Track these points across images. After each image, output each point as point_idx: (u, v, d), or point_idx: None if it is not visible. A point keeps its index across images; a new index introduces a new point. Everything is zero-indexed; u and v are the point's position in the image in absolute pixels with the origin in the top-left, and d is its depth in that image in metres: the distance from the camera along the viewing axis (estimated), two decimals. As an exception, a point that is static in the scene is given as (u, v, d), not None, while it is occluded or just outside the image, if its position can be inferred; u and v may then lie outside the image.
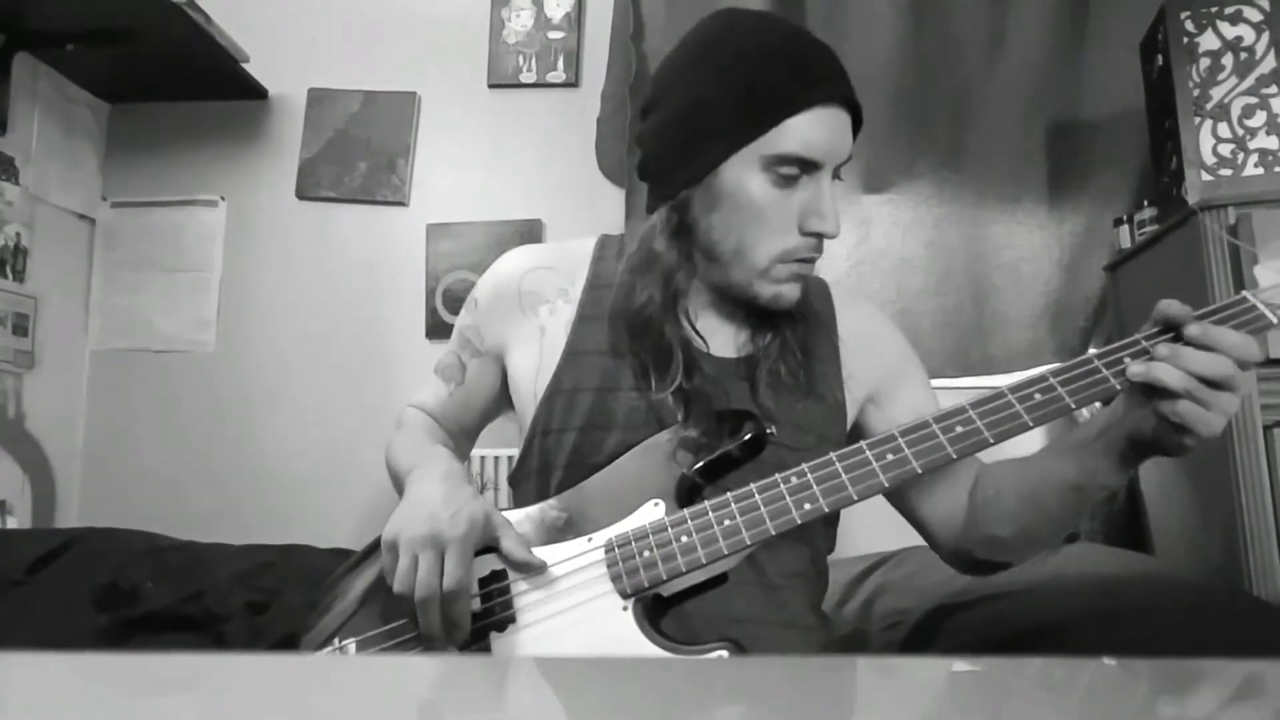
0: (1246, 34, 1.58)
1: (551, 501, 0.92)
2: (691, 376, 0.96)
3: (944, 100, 2.09)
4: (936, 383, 1.96)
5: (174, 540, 1.62)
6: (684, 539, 0.84)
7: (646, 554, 0.84)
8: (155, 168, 2.34)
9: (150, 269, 2.32)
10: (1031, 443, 0.99)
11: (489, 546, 0.86)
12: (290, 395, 2.25)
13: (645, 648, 0.82)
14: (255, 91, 2.30)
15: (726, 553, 0.83)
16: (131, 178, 2.35)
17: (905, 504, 1.04)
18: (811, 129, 0.92)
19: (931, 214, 2.12)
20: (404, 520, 0.85)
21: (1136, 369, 0.79)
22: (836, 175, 0.96)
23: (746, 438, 0.88)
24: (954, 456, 0.83)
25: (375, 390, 2.21)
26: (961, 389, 1.96)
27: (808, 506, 0.83)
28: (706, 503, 0.85)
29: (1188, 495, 1.64)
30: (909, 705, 0.45)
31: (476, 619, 0.85)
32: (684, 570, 0.83)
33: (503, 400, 1.11)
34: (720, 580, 0.86)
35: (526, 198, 2.25)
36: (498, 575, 0.87)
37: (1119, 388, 0.81)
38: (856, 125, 0.97)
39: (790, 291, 0.98)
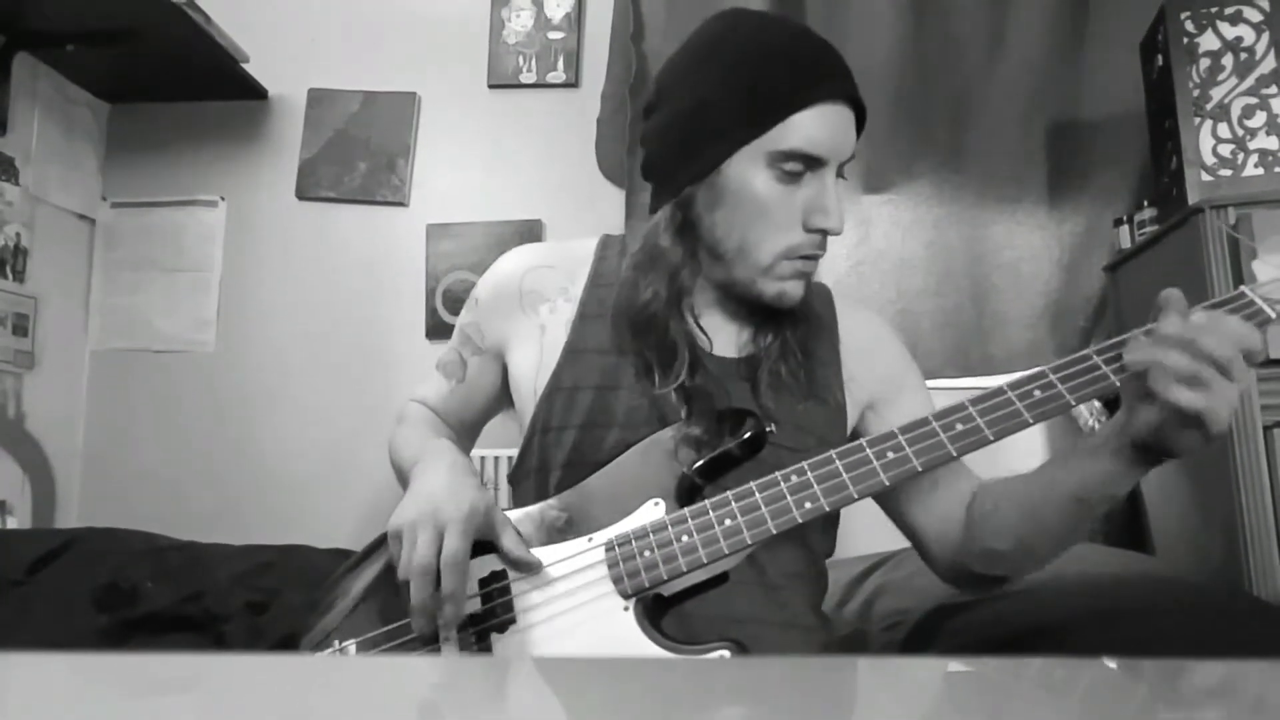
0: (1246, 34, 1.58)
1: (551, 501, 0.92)
2: (695, 374, 0.96)
3: (944, 100, 2.09)
4: (937, 383, 1.97)
5: (174, 540, 1.62)
6: (685, 539, 0.84)
7: (647, 554, 0.84)
8: (155, 168, 2.35)
9: (150, 269, 2.32)
10: (1033, 458, 0.99)
11: (488, 544, 0.86)
12: (290, 395, 2.25)
13: (647, 648, 0.82)
14: (255, 92, 2.30)
15: (727, 552, 0.83)
16: (131, 178, 2.35)
17: (902, 517, 1.03)
18: (815, 125, 0.92)
19: (931, 214, 2.12)
20: (408, 508, 0.85)
21: (1137, 354, 0.78)
22: (840, 173, 0.97)
23: (747, 436, 0.88)
24: (954, 454, 0.83)
25: (375, 390, 2.21)
26: (961, 389, 1.96)
27: (809, 505, 0.83)
28: (707, 502, 0.85)
29: (1188, 496, 1.64)
30: (909, 706, 0.45)
31: (477, 620, 0.85)
32: (685, 570, 0.83)
33: (503, 398, 1.11)
34: (721, 580, 0.86)
35: (526, 198, 2.25)
36: (498, 576, 0.87)
37: (1118, 383, 0.81)
38: (860, 123, 0.98)
39: (794, 289, 0.98)
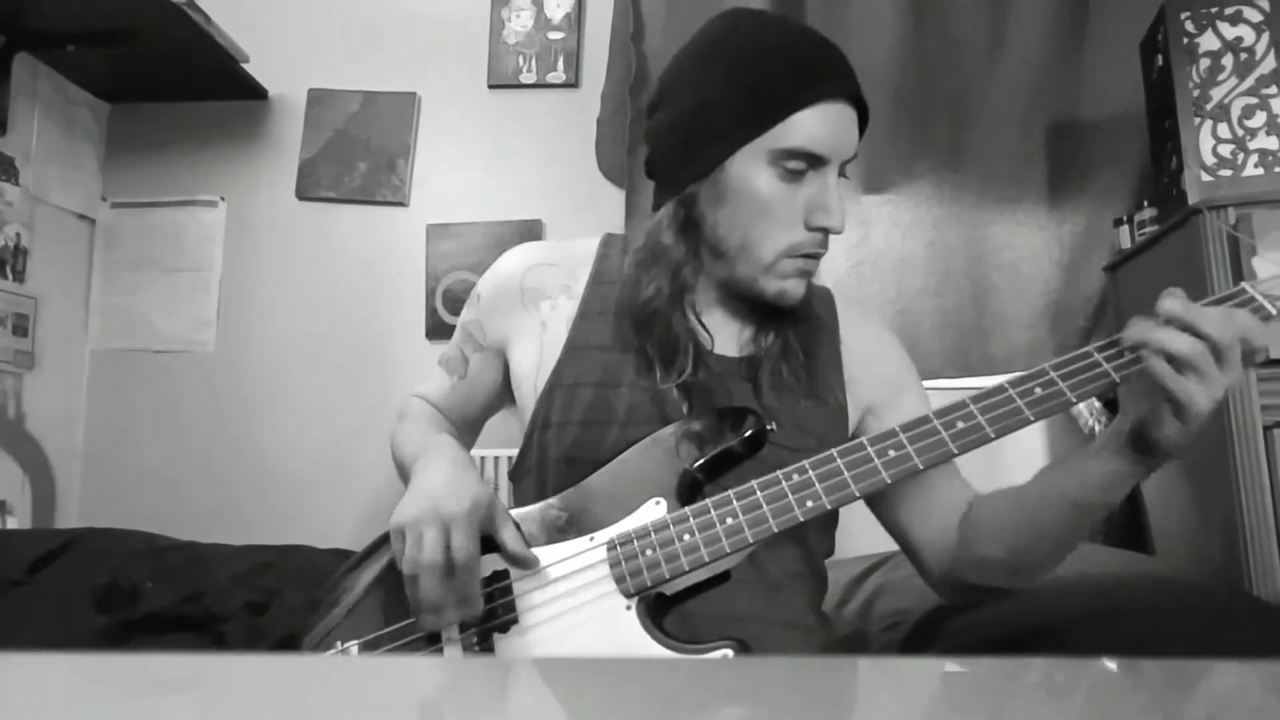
0: (1246, 34, 1.58)
1: (552, 500, 0.92)
2: (696, 371, 0.96)
3: (944, 100, 2.09)
4: (936, 383, 1.97)
5: (174, 540, 1.61)
6: (686, 537, 0.84)
7: (649, 553, 0.84)
8: (155, 168, 2.35)
9: (150, 269, 2.32)
10: (1033, 457, 0.99)
11: (490, 543, 0.86)
12: (290, 395, 2.25)
13: (650, 647, 0.82)
14: (255, 92, 2.30)
15: (729, 551, 0.83)
16: (131, 178, 2.35)
17: (896, 525, 1.03)
18: (818, 124, 0.93)
19: (931, 214, 2.12)
20: (410, 504, 0.85)
21: (1136, 332, 0.78)
22: (842, 172, 0.97)
23: (748, 434, 0.88)
24: (956, 452, 0.83)
25: (375, 390, 2.21)
26: (961, 389, 1.96)
27: (810, 504, 0.83)
28: (708, 501, 0.85)
29: (1188, 496, 1.64)
30: (909, 706, 0.45)
31: (479, 621, 0.85)
32: (687, 569, 0.83)
33: (504, 395, 1.12)
34: (723, 579, 0.86)
35: (526, 198, 2.25)
36: (500, 575, 0.87)
37: (1119, 380, 0.80)
38: (863, 123, 0.98)
39: (795, 288, 0.98)
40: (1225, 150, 1.57)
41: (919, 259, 2.11)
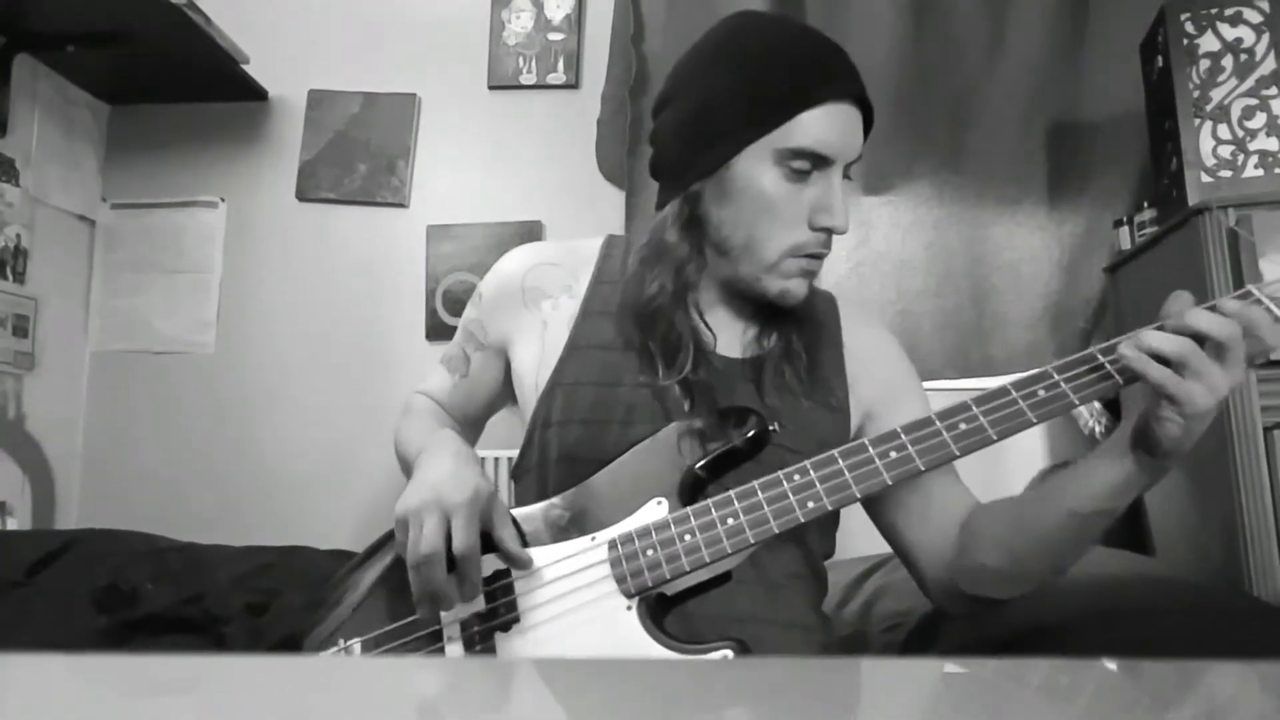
0: (1246, 35, 1.58)
1: (554, 500, 0.92)
2: (698, 369, 0.97)
3: (944, 101, 2.09)
4: (936, 384, 1.97)
5: (174, 542, 1.61)
6: (687, 538, 0.84)
7: (650, 553, 0.84)
8: (155, 169, 2.35)
9: (150, 270, 2.32)
10: (1034, 458, 0.98)
11: (486, 540, 0.86)
12: (290, 397, 2.25)
13: (650, 648, 0.82)
14: (255, 93, 2.30)
15: (730, 551, 0.83)
16: (131, 179, 2.35)
17: (894, 530, 1.03)
18: (823, 124, 0.93)
19: (931, 215, 2.12)
20: (413, 494, 0.85)
21: (1126, 350, 0.78)
22: (846, 174, 0.97)
23: (751, 434, 0.88)
24: (958, 454, 0.83)
25: (375, 391, 2.21)
26: (961, 390, 1.96)
27: (811, 504, 0.83)
28: (709, 501, 0.85)
29: (1188, 496, 1.64)
30: (909, 706, 0.45)
31: (481, 619, 0.86)
32: (688, 569, 0.83)
33: (506, 394, 1.12)
34: (724, 579, 0.86)
35: (527, 199, 2.25)
36: (502, 574, 0.87)
37: (1121, 382, 0.80)
38: (868, 124, 0.99)
39: (798, 288, 0.98)
40: (1225, 151, 1.57)
41: (919, 260, 2.11)
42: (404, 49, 2.33)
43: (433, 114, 2.32)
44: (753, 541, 0.83)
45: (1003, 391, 0.83)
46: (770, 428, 0.89)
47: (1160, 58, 1.67)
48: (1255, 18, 1.58)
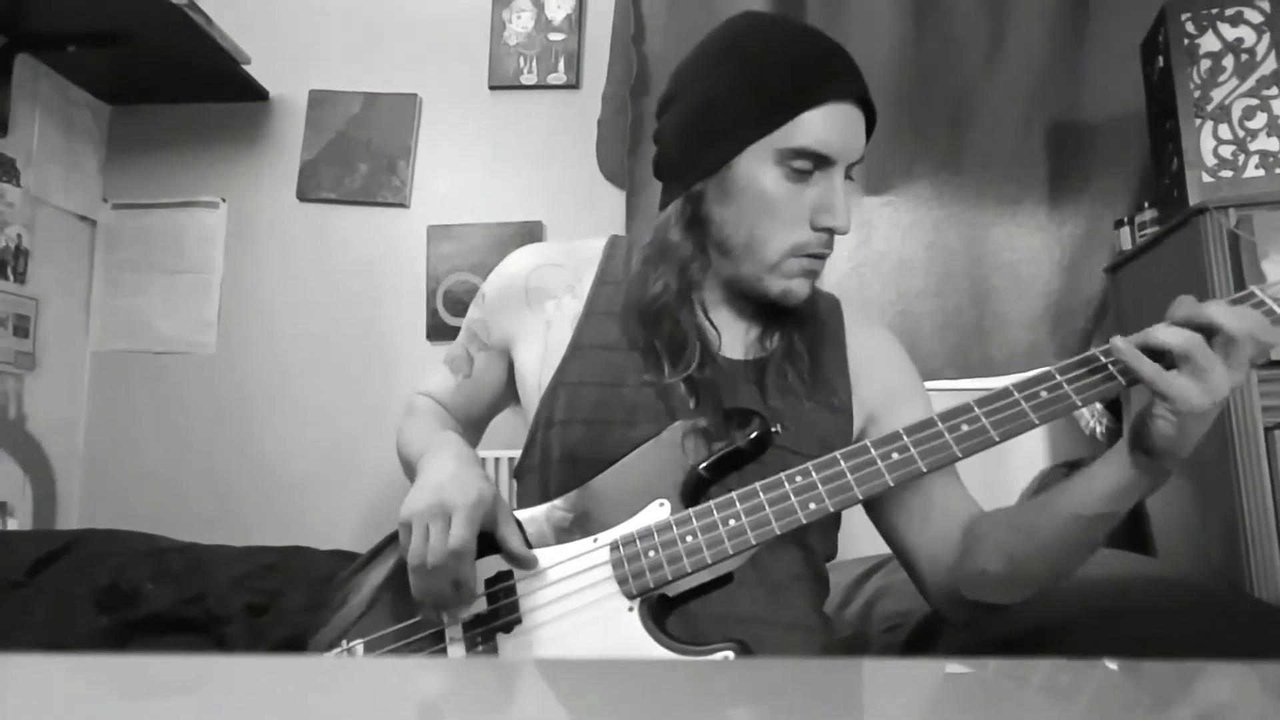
0: (1247, 35, 1.58)
1: (557, 502, 0.92)
2: (703, 367, 0.97)
3: (944, 101, 2.09)
4: (937, 384, 1.97)
5: (175, 542, 1.61)
6: (689, 539, 0.84)
7: (652, 554, 0.84)
8: (156, 169, 2.35)
9: (151, 270, 2.32)
10: (1035, 459, 0.98)
11: (493, 545, 0.86)
12: (291, 397, 2.25)
13: (651, 648, 0.82)
14: (256, 93, 2.30)
15: (732, 553, 0.83)
16: (132, 179, 2.35)
17: (896, 534, 1.03)
18: (825, 125, 0.93)
19: (932, 216, 2.12)
20: (417, 497, 0.85)
21: (1119, 343, 0.78)
22: (848, 175, 0.97)
23: (754, 435, 0.88)
24: (960, 455, 0.83)
25: (375, 391, 2.21)
26: (962, 390, 1.96)
27: (813, 506, 0.83)
28: (711, 503, 0.85)
29: (1189, 497, 1.64)
30: (910, 707, 0.45)
31: (483, 620, 0.86)
32: (689, 571, 0.83)
33: (509, 394, 1.12)
34: (726, 580, 0.86)
35: (527, 199, 2.25)
36: (503, 575, 0.87)
37: (1124, 383, 0.80)
38: (870, 126, 0.99)
39: (800, 288, 0.98)
40: (1226, 151, 1.57)
41: (919, 260, 2.11)
42: (405, 49, 2.33)
43: (433, 114, 2.32)
44: (754, 543, 0.83)
45: (1005, 393, 0.83)
46: (773, 429, 0.89)
47: (1161, 58, 1.66)
48: (1256, 18, 1.58)
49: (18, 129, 2.07)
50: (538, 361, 1.04)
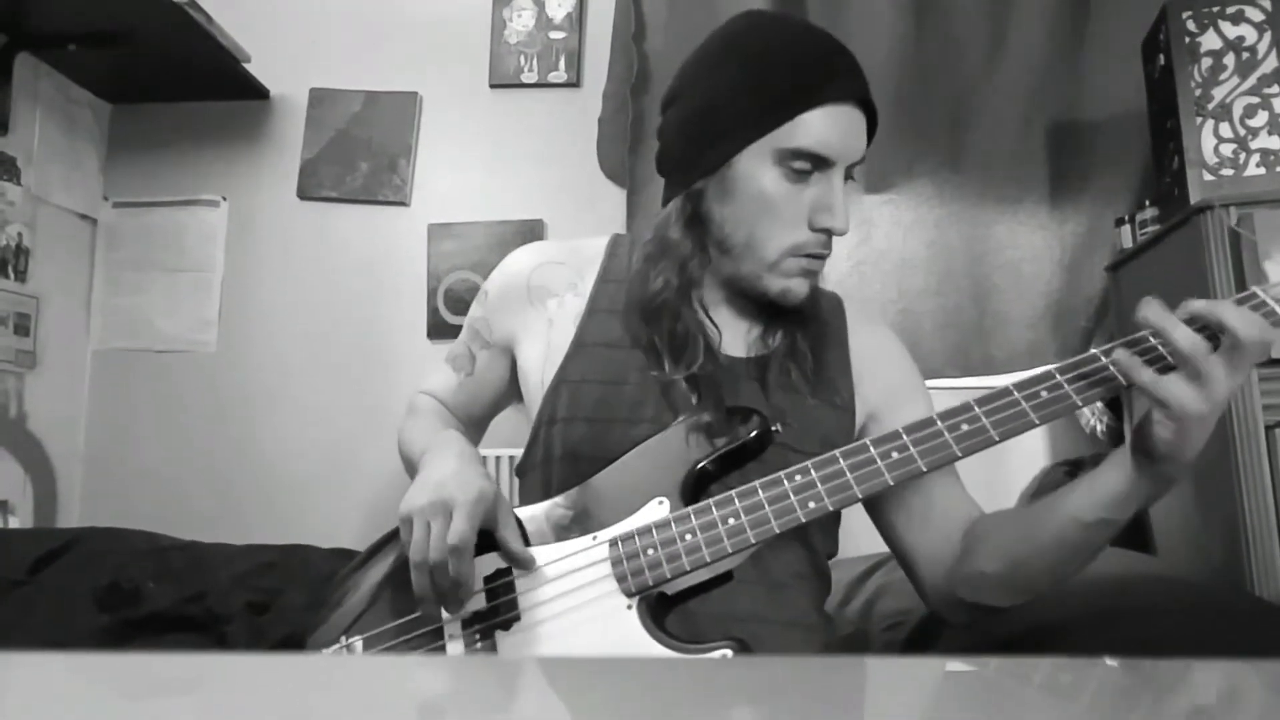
0: (1248, 34, 1.58)
1: (558, 500, 0.92)
2: (705, 364, 0.97)
3: (944, 100, 2.09)
4: (937, 383, 1.97)
5: (176, 540, 1.62)
6: (688, 537, 0.84)
7: (651, 552, 0.84)
8: (157, 168, 2.35)
9: (152, 269, 2.32)
10: (1035, 459, 0.98)
11: (492, 542, 0.86)
12: (291, 395, 2.25)
13: (650, 647, 0.82)
14: (257, 92, 2.30)
15: (731, 551, 0.83)
16: (133, 178, 2.35)
17: (895, 534, 1.02)
18: (825, 125, 0.93)
19: (932, 214, 2.12)
20: (417, 493, 0.85)
21: (1119, 354, 0.78)
22: (849, 175, 0.97)
23: (754, 433, 0.88)
24: (960, 455, 0.83)
25: (376, 390, 2.21)
26: (962, 389, 1.96)
27: (812, 505, 0.83)
28: (710, 501, 0.85)
29: (1189, 496, 1.64)
30: (910, 705, 0.45)
31: (482, 618, 0.86)
32: (688, 569, 0.83)
33: (511, 392, 1.12)
34: (725, 579, 0.86)
35: (528, 198, 2.25)
36: (502, 573, 0.87)
37: (1124, 383, 0.80)
38: (872, 127, 0.99)
39: (799, 287, 0.98)
40: (1227, 150, 1.57)
41: (920, 259, 2.11)
42: (405, 47, 2.33)
43: (434, 112, 2.32)
44: (753, 541, 0.83)
45: (1005, 392, 0.83)
46: (773, 427, 0.89)
47: (1162, 56, 1.66)
48: (1257, 16, 1.58)
49: (18, 128, 2.07)
50: (540, 359, 1.04)
